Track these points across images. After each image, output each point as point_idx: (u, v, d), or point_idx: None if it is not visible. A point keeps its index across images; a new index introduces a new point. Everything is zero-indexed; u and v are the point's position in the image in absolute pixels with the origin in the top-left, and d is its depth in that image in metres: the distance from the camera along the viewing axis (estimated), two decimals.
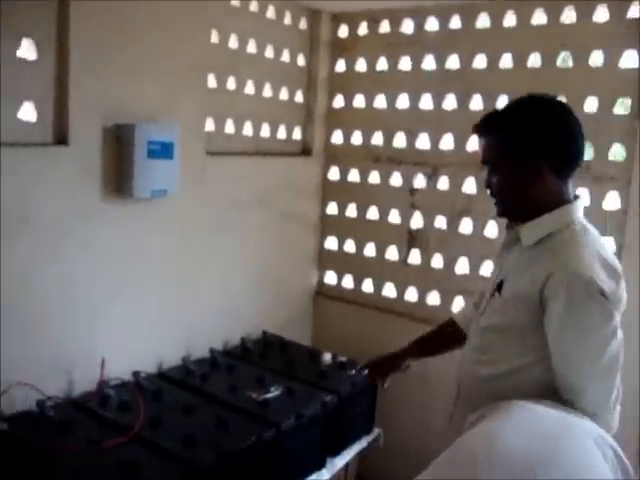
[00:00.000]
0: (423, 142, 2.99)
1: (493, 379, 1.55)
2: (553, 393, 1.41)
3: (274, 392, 2.33)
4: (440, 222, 2.95)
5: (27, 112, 1.99)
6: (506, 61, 2.74)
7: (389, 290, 3.21)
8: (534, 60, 2.67)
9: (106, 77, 2.13)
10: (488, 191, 1.58)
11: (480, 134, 1.57)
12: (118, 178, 2.20)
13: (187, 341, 2.64)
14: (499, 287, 1.55)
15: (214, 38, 2.61)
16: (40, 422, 1.93)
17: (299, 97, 3.19)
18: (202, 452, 1.86)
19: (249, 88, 2.86)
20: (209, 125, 2.66)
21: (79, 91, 2.06)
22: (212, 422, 2.04)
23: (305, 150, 3.29)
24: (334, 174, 3.34)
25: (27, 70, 1.98)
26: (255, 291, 3.00)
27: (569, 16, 2.57)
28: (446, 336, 1.95)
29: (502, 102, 2.77)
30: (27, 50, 1.97)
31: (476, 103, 2.84)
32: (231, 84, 2.76)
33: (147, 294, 2.42)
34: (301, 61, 3.16)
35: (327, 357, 2.81)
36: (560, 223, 1.47)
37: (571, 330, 1.38)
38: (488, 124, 1.54)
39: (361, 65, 3.19)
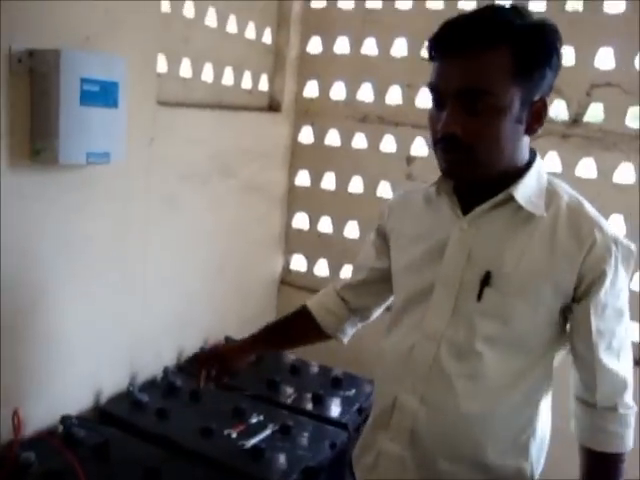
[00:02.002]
0: (425, 99, 2.41)
1: (488, 418, 1.11)
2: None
3: (264, 432, 1.72)
4: None
5: None
6: None
7: None
8: None
9: None
10: (439, 135, 1.05)
11: (468, 45, 1.00)
12: (35, 134, 1.46)
13: (131, 358, 1.95)
14: (486, 280, 1.08)
15: None
16: None
17: (267, 36, 2.50)
18: None
19: (211, 18, 2.14)
20: (160, 64, 1.93)
21: None
22: None
23: (273, 105, 2.61)
24: (307, 135, 2.70)
25: None
26: (212, 284, 2.33)
27: None
28: (301, 328, 1.50)
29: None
30: None
31: None
32: (189, 10, 2.03)
33: (74, 301, 1.70)
34: None
35: (313, 370, 2.20)
36: (543, 182, 1.12)
37: (617, 305, 1.10)
38: (493, 28, 1.00)
39: None
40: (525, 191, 1.08)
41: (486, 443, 1.11)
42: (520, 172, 1.10)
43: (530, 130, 1.07)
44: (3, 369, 1.52)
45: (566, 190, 1.13)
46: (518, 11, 1.03)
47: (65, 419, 1.60)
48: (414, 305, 1.17)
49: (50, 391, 1.66)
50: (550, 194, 1.11)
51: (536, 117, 1.05)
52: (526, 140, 1.09)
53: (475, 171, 1.07)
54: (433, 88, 1.05)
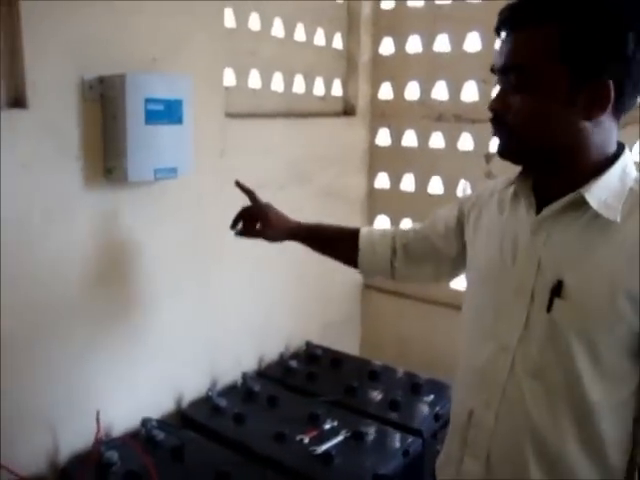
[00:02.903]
0: None
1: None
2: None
3: (336, 438, 1.72)
4: None
5: None
6: None
7: (460, 282, 2.56)
8: None
9: (80, 10, 1.47)
10: (491, 113, 1.03)
11: (517, 21, 0.97)
12: (107, 154, 1.56)
13: (211, 364, 2.03)
14: (557, 290, 0.99)
15: None
16: None
17: (338, 42, 2.51)
18: None
19: (277, 29, 2.18)
20: (228, 78, 1.99)
21: (38, 29, 1.41)
22: None
23: (347, 109, 2.62)
24: (384, 138, 2.68)
25: None
26: (293, 290, 2.37)
27: None
28: (342, 249, 1.54)
29: None
30: None
31: None
32: (254, 23, 2.08)
33: (155, 310, 1.80)
34: None
35: (393, 376, 2.17)
36: (629, 180, 1.00)
37: None
38: (542, 6, 0.94)
39: None
40: (601, 192, 0.97)
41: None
42: (602, 168, 0.99)
43: (589, 115, 0.95)
44: (91, 373, 1.63)
45: None
46: None
47: (145, 422, 1.69)
48: (487, 312, 1.11)
49: (134, 394, 1.75)
50: (636, 195, 0.98)
51: (597, 101, 0.94)
52: (601, 129, 0.98)
53: (514, 149, 1.03)
54: (490, 67, 1.03)
